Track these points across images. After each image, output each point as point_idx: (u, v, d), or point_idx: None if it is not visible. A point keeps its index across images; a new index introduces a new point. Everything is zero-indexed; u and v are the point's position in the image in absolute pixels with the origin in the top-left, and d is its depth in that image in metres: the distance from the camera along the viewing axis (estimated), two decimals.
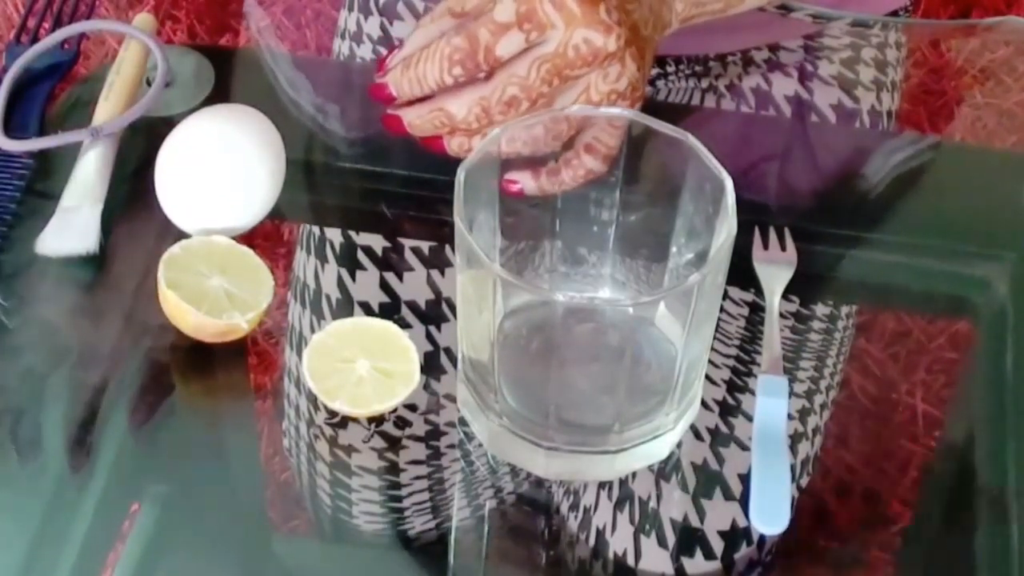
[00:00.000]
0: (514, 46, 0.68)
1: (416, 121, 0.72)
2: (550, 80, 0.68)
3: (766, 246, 0.77)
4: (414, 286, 0.77)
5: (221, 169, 0.73)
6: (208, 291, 0.70)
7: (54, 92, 0.82)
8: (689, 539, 0.69)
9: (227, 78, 0.84)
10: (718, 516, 0.70)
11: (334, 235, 0.80)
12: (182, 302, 0.69)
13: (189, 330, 0.71)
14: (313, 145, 0.84)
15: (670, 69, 0.92)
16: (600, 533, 0.70)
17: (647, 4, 0.71)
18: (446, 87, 0.70)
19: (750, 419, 0.71)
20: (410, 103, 0.72)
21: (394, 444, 0.71)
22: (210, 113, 0.75)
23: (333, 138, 0.84)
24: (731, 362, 0.75)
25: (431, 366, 0.73)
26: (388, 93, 0.72)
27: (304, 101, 0.85)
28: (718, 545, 0.69)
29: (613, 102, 0.69)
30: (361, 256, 0.79)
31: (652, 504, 0.70)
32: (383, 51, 0.90)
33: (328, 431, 0.71)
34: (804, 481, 0.73)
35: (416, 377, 0.69)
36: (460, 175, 0.62)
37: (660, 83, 0.93)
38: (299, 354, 0.75)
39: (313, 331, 0.75)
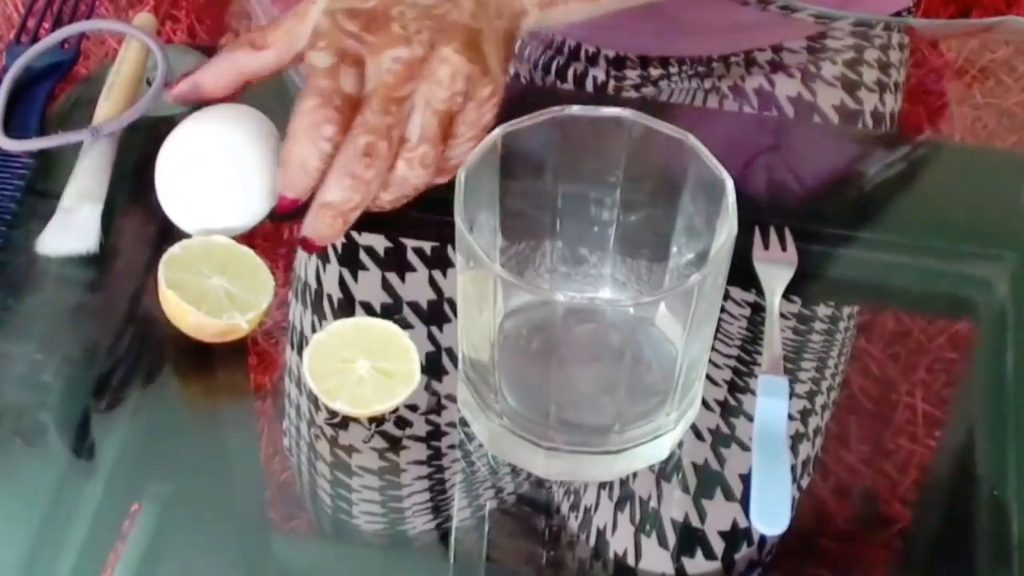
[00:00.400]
0: (351, 77, 0.68)
1: (321, 231, 0.70)
2: (386, 108, 0.68)
3: (766, 246, 0.77)
4: (416, 286, 0.77)
5: (221, 169, 0.73)
6: (208, 291, 0.70)
7: (54, 92, 0.82)
8: (690, 539, 0.69)
9: None
10: (719, 516, 0.70)
11: None
12: (182, 302, 0.69)
13: (189, 330, 0.71)
14: None
15: (673, 70, 0.93)
16: (600, 533, 0.70)
17: None
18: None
19: (751, 419, 0.71)
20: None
21: (395, 444, 0.71)
22: (210, 113, 0.75)
23: None
24: (732, 362, 0.75)
25: (432, 366, 0.73)
26: (294, 201, 0.71)
27: None
28: (718, 545, 0.69)
29: (462, 105, 0.69)
30: (363, 256, 0.79)
31: (653, 504, 0.70)
32: None
33: (328, 431, 0.71)
34: (805, 481, 0.73)
35: (416, 377, 0.69)
36: (461, 175, 0.62)
37: (663, 83, 0.93)
38: (300, 354, 0.75)
39: (314, 331, 0.75)
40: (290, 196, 0.70)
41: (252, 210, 0.74)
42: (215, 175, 0.73)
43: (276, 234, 0.82)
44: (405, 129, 0.68)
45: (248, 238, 0.75)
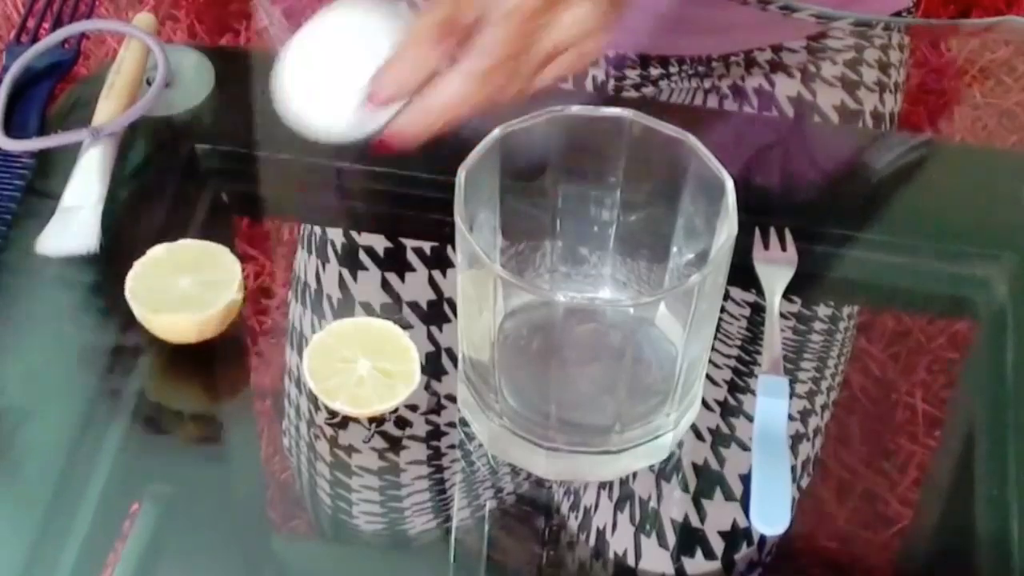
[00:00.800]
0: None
1: (415, 124, 0.68)
2: (519, 31, 0.66)
3: (767, 246, 0.76)
4: (416, 286, 0.77)
5: (362, 63, 0.68)
6: (176, 291, 0.70)
7: (54, 92, 0.82)
8: (689, 539, 0.69)
9: (227, 78, 0.84)
10: (719, 516, 0.70)
11: (335, 235, 0.80)
12: (150, 311, 0.69)
13: (166, 335, 0.71)
14: (314, 144, 0.83)
15: (673, 70, 0.92)
16: (600, 533, 0.70)
17: None
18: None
19: (751, 419, 0.71)
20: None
21: (394, 444, 0.71)
22: (348, 5, 0.70)
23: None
24: (732, 362, 0.75)
25: (432, 366, 0.73)
26: (389, 92, 0.67)
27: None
28: (718, 545, 0.69)
29: (575, 45, 0.68)
30: (363, 256, 0.79)
31: (653, 504, 0.70)
32: None
33: (328, 431, 0.71)
34: (805, 482, 0.73)
35: (416, 377, 0.69)
36: (461, 175, 0.62)
37: (663, 83, 0.93)
38: (300, 354, 0.75)
39: (314, 331, 0.75)
40: (385, 93, 0.67)
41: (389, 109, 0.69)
42: (356, 70, 0.68)
43: (276, 234, 0.82)
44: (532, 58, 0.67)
45: (249, 238, 0.75)
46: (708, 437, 0.72)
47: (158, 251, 0.72)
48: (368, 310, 0.76)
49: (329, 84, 0.68)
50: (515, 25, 0.65)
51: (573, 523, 0.71)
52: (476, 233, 0.62)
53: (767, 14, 0.86)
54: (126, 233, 0.77)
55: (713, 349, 0.70)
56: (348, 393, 0.69)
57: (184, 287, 0.71)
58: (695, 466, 0.71)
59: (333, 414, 0.70)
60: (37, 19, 0.86)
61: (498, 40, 0.66)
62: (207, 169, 0.82)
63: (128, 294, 0.70)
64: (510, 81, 0.67)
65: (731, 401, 0.73)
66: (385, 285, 0.77)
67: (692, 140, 0.64)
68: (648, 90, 0.94)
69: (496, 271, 0.60)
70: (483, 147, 0.64)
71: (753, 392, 0.71)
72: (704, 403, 0.71)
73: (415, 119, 0.67)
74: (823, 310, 0.79)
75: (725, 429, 0.72)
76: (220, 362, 0.74)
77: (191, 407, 0.75)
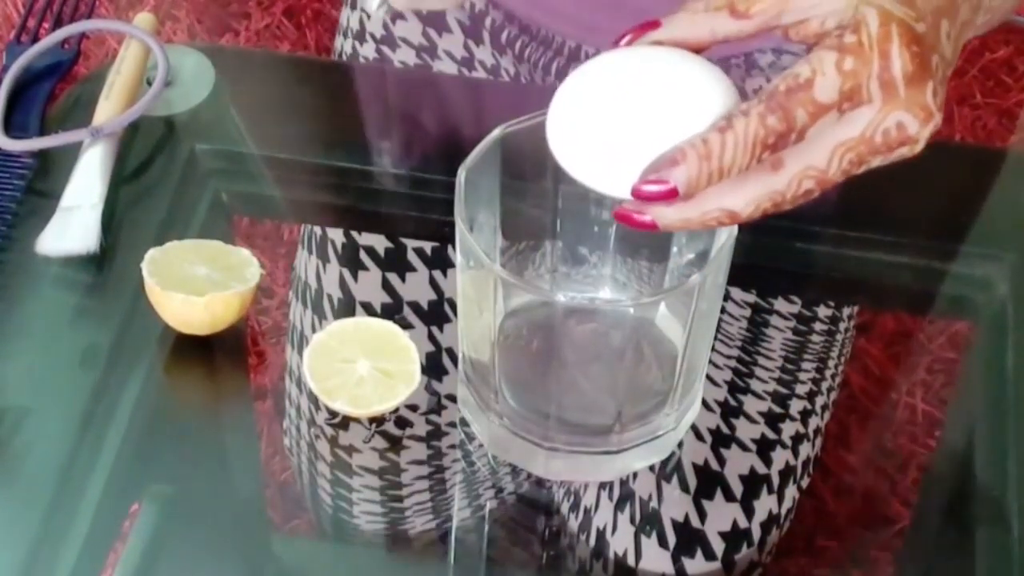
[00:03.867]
0: (824, 126, 0.55)
1: (683, 223, 0.56)
2: (850, 171, 0.56)
3: None
4: (416, 286, 0.77)
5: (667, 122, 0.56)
6: (193, 279, 0.70)
7: (54, 92, 0.82)
8: (690, 539, 0.69)
9: (227, 78, 0.84)
10: (719, 517, 0.70)
11: (336, 235, 0.80)
12: (166, 290, 0.69)
13: (178, 322, 0.71)
14: (314, 144, 0.84)
15: None
16: (600, 533, 0.70)
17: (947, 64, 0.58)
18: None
19: (752, 420, 0.71)
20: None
21: (395, 444, 0.71)
22: (673, 56, 0.58)
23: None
24: (732, 363, 0.75)
25: (433, 367, 0.73)
26: (673, 191, 0.54)
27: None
28: (719, 546, 0.69)
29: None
30: (363, 256, 0.79)
31: (653, 504, 0.70)
32: (386, 50, 0.90)
33: (329, 431, 0.71)
34: (805, 482, 0.73)
35: (417, 377, 0.69)
36: (461, 175, 0.62)
37: None
38: (300, 354, 0.75)
39: (314, 331, 0.75)
40: (679, 189, 0.54)
41: None
42: (658, 127, 0.56)
43: (276, 234, 0.82)
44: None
45: (249, 238, 0.75)
46: (708, 437, 0.72)
47: (175, 243, 0.72)
48: (369, 310, 0.76)
49: (603, 132, 0.57)
50: (852, 163, 0.56)
51: (573, 523, 0.71)
52: (476, 233, 0.62)
53: None
54: (126, 233, 0.77)
55: (713, 349, 0.70)
56: (348, 393, 0.69)
57: (201, 274, 0.71)
58: (695, 466, 0.71)
59: (333, 414, 0.70)
60: (37, 19, 0.86)
61: (825, 176, 0.56)
62: (207, 169, 0.82)
63: (145, 274, 0.70)
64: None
65: (731, 401, 0.73)
66: (386, 285, 0.77)
67: None
68: None
69: (496, 271, 0.60)
70: (483, 147, 0.64)
71: (754, 393, 0.71)
72: (704, 403, 0.71)
73: (682, 218, 0.56)
74: (823, 310, 0.79)
75: (725, 429, 0.72)
76: (220, 362, 0.74)
77: (191, 407, 0.75)
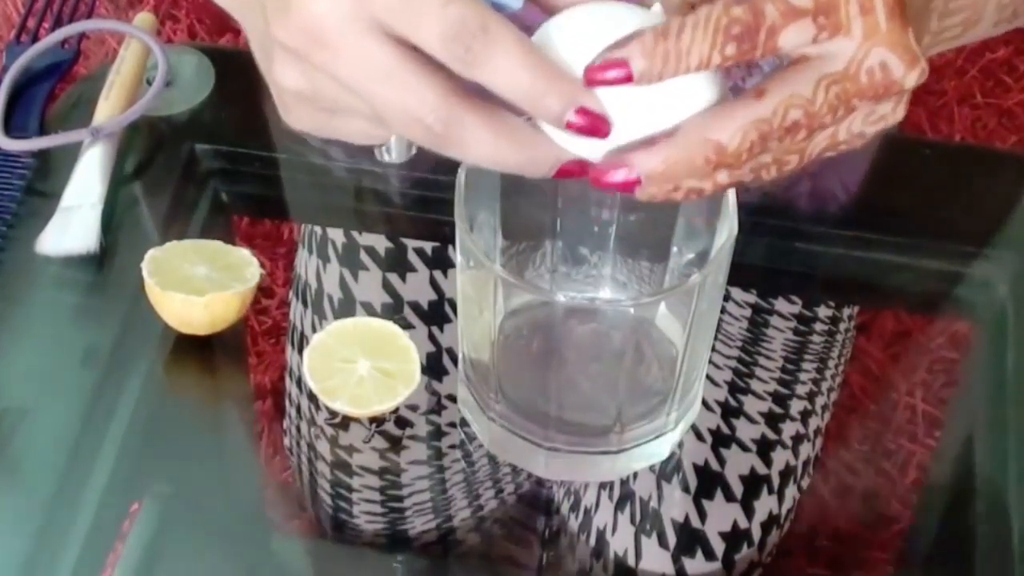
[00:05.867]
0: (799, 40, 0.50)
1: (667, 167, 0.51)
2: (836, 108, 0.51)
3: None
4: (416, 286, 0.77)
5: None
6: (193, 278, 0.70)
7: (54, 92, 0.82)
8: (690, 540, 0.69)
9: (227, 78, 0.84)
10: (719, 517, 0.70)
11: (336, 235, 0.80)
12: (166, 290, 0.69)
13: (178, 321, 0.71)
14: (314, 144, 0.84)
15: None
16: (601, 533, 0.70)
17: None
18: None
19: (752, 420, 0.71)
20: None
21: (395, 444, 0.71)
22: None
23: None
24: (732, 363, 0.75)
25: (433, 366, 0.73)
26: (628, 73, 0.49)
27: None
28: (719, 546, 0.69)
29: (850, 143, 0.53)
30: (363, 256, 0.79)
31: (653, 504, 0.70)
32: None
33: (329, 431, 0.71)
34: (805, 482, 0.73)
35: (417, 377, 0.69)
36: (461, 175, 0.62)
37: None
38: (300, 353, 0.75)
39: (314, 330, 0.75)
40: (631, 72, 0.49)
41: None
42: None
43: (276, 234, 0.82)
44: (828, 136, 0.53)
45: (249, 238, 0.75)
46: (708, 438, 0.72)
47: (175, 243, 0.72)
48: (369, 310, 0.76)
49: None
50: (828, 104, 0.51)
51: (573, 523, 0.71)
52: (476, 233, 0.62)
53: None
54: (126, 233, 0.77)
55: (713, 350, 0.70)
56: (348, 393, 0.69)
57: (201, 274, 0.71)
58: (695, 467, 0.71)
59: (333, 414, 0.70)
60: (37, 19, 0.86)
61: (811, 107, 0.51)
62: (207, 169, 0.82)
63: (145, 274, 0.70)
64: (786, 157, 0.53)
65: (731, 402, 0.73)
66: (386, 285, 0.77)
67: None
68: None
69: (496, 271, 0.60)
70: None
71: (755, 393, 0.71)
72: (704, 404, 0.71)
73: (665, 159, 0.51)
74: (823, 310, 0.79)
75: (726, 430, 0.72)
76: (220, 362, 0.74)
77: (191, 407, 0.75)
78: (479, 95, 0.51)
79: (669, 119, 0.51)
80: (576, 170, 0.52)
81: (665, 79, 0.50)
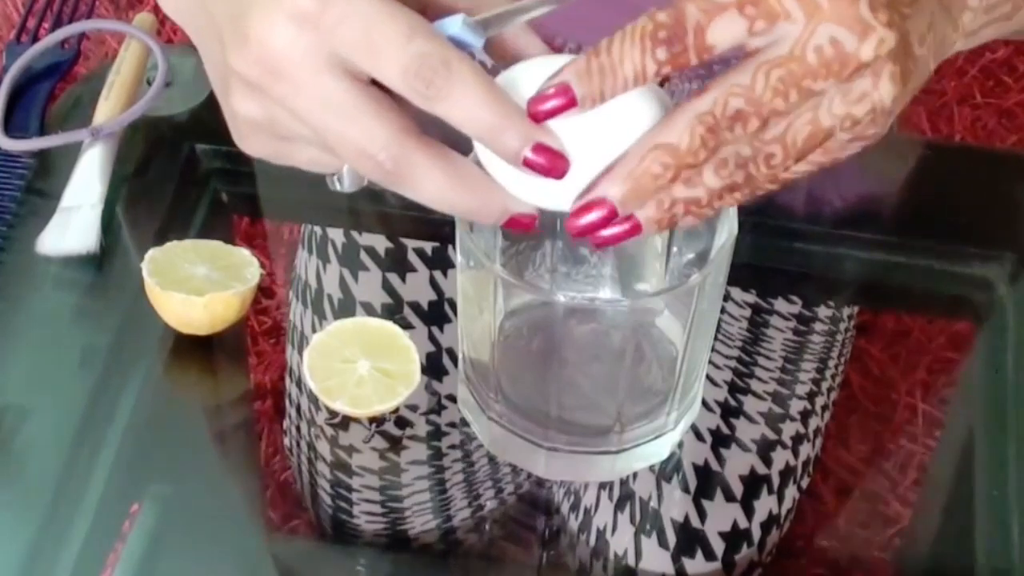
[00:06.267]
0: (730, 34, 0.49)
1: (630, 182, 0.51)
2: (785, 92, 0.49)
3: None
4: (416, 286, 0.77)
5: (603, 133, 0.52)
6: (193, 278, 0.70)
7: (54, 92, 0.82)
8: (690, 540, 0.69)
9: None
10: (719, 517, 0.70)
11: (336, 235, 0.80)
12: (166, 289, 0.69)
13: (178, 321, 0.71)
14: None
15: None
16: (601, 533, 0.70)
17: (928, 12, 0.53)
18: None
19: (752, 420, 0.71)
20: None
21: (395, 444, 0.71)
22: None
23: None
24: (732, 363, 0.75)
25: (433, 367, 0.73)
26: (571, 98, 0.50)
27: None
28: (719, 546, 0.69)
29: (847, 130, 0.51)
30: (363, 256, 0.79)
31: (653, 504, 0.70)
32: None
33: (329, 431, 0.71)
34: (805, 482, 0.73)
35: (417, 377, 0.69)
36: None
37: (663, 85, 0.93)
38: (300, 353, 0.75)
39: (314, 331, 0.75)
40: (572, 97, 0.50)
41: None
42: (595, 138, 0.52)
43: (276, 234, 0.82)
44: (791, 124, 0.51)
45: (248, 238, 0.75)
46: (708, 438, 0.72)
47: (175, 243, 0.72)
48: (369, 310, 0.76)
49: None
50: (785, 80, 0.50)
51: (573, 523, 0.71)
52: (476, 233, 0.62)
53: None
54: (126, 233, 0.77)
55: (713, 350, 0.70)
56: (348, 393, 0.69)
57: (201, 274, 0.71)
58: (695, 467, 0.71)
59: (333, 414, 0.70)
60: (37, 19, 0.86)
61: (752, 93, 0.50)
62: (207, 169, 0.82)
63: (145, 274, 0.70)
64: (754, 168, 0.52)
65: (731, 402, 0.73)
66: (386, 285, 0.77)
67: None
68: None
69: (496, 271, 0.60)
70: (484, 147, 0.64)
71: (755, 393, 0.71)
72: (704, 404, 0.71)
73: (625, 175, 0.51)
74: (823, 310, 0.79)
75: (725, 430, 0.72)
76: (220, 362, 0.74)
77: (191, 407, 0.75)
78: (440, 135, 0.52)
79: (620, 147, 0.51)
80: (527, 222, 0.53)
81: (607, 98, 0.50)
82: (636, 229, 0.52)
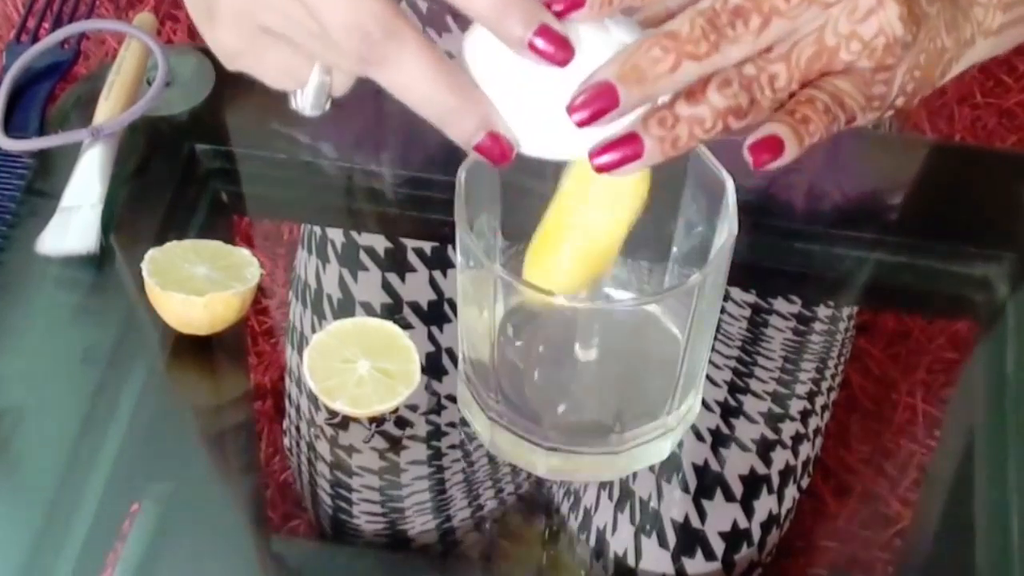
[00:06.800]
0: None
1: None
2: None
3: None
4: (416, 287, 0.77)
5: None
6: (194, 278, 0.70)
7: (54, 92, 0.82)
8: (690, 540, 0.69)
9: (227, 78, 0.84)
10: (719, 517, 0.70)
11: (336, 235, 0.80)
12: (166, 289, 0.69)
13: (178, 321, 0.71)
14: (314, 144, 0.84)
15: None
16: (601, 533, 0.70)
17: None
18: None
19: (752, 420, 0.71)
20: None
21: (395, 444, 0.71)
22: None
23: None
24: (732, 363, 0.75)
25: (432, 366, 0.73)
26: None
27: None
28: (719, 546, 0.69)
29: (856, 54, 0.50)
30: (363, 256, 0.79)
31: (653, 504, 0.70)
32: None
33: (329, 431, 0.71)
34: (805, 482, 0.73)
35: (416, 377, 0.69)
36: (461, 175, 0.62)
37: None
38: (300, 354, 0.75)
39: (314, 331, 0.75)
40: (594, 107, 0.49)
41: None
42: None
43: (276, 234, 0.82)
44: (794, 30, 0.50)
45: (248, 238, 0.75)
46: (708, 438, 0.72)
47: (175, 243, 0.72)
48: (369, 310, 0.76)
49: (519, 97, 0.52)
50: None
51: (573, 523, 0.71)
52: (476, 233, 0.62)
53: None
54: (126, 233, 0.77)
55: (713, 350, 0.70)
56: (348, 393, 0.69)
57: (201, 274, 0.71)
58: (695, 467, 0.71)
59: (333, 414, 0.70)
60: (37, 19, 0.86)
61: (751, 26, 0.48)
62: (207, 169, 0.82)
63: (145, 274, 0.70)
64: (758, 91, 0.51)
65: (731, 402, 0.73)
66: (386, 285, 0.77)
67: None
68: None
69: (496, 271, 0.60)
70: None
71: (754, 393, 0.71)
72: (704, 404, 0.71)
73: (665, 143, 0.50)
74: (823, 310, 0.79)
75: (725, 430, 0.72)
76: (220, 362, 0.74)
77: (191, 407, 0.75)
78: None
79: None
80: (503, 147, 0.52)
81: None
82: (639, 150, 0.50)
